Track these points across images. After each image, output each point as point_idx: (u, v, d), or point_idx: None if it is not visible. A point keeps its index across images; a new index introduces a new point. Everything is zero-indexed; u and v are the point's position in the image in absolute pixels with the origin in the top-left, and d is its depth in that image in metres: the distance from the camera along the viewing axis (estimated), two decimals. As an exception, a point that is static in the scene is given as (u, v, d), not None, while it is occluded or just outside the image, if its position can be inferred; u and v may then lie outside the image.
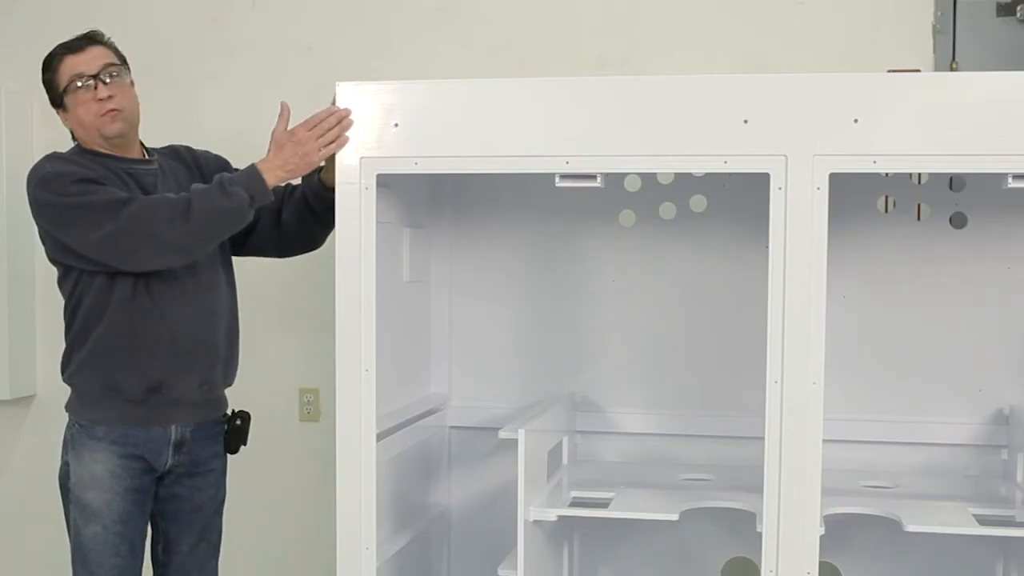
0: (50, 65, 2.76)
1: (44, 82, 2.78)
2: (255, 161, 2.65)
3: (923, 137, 2.31)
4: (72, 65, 2.73)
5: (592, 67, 3.51)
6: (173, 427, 2.78)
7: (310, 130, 2.55)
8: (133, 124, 2.80)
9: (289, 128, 2.62)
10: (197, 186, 2.64)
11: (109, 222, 2.58)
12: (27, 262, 3.88)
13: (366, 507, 2.52)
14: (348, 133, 2.52)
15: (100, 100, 2.71)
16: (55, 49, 2.77)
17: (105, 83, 2.72)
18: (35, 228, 3.79)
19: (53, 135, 3.74)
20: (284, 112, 2.65)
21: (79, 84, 2.71)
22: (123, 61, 2.81)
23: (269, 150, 2.65)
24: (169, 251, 2.62)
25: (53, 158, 2.74)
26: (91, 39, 2.78)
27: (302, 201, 2.84)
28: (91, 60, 2.74)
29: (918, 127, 2.31)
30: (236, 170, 2.92)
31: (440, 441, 3.14)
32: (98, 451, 2.72)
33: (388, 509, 2.72)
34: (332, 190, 2.58)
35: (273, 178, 2.62)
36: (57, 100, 2.77)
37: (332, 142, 2.53)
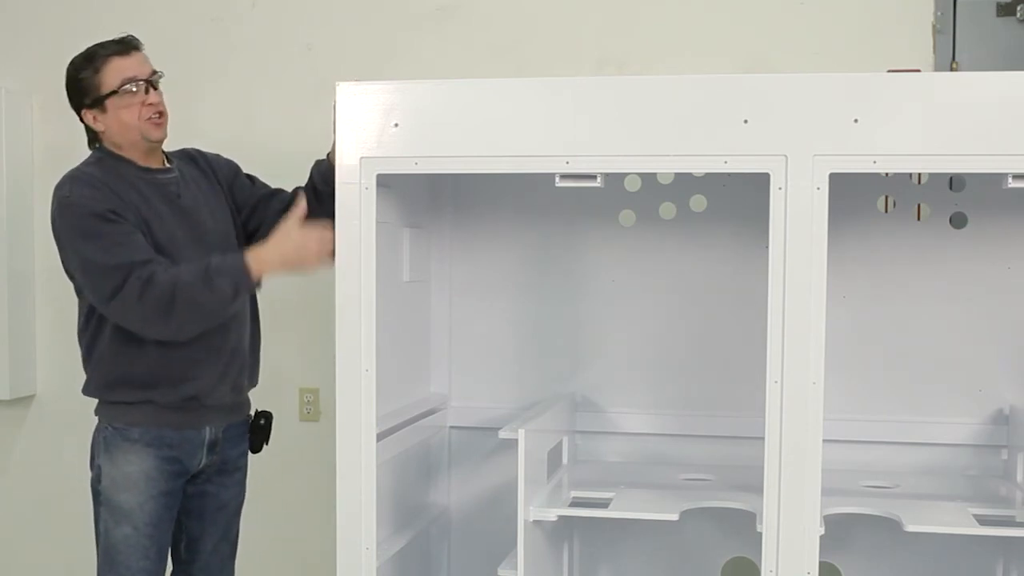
0: (91, 64, 2.72)
1: (79, 80, 2.73)
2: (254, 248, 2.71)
3: (923, 137, 2.31)
4: (123, 67, 2.72)
5: (592, 67, 3.51)
6: (207, 429, 2.80)
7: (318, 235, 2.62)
8: (166, 131, 2.82)
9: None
10: (185, 270, 2.63)
11: (109, 288, 2.61)
12: (27, 262, 3.88)
13: (366, 507, 2.52)
14: (348, 133, 2.51)
15: (149, 104, 2.73)
16: (95, 49, 2.74)
17: (155, 88, 2.75)
18: (35, 228, 3.84)
19: (53, 135, 3.78)
20: (300, 206, 2.71)
21: (132, 88, 2.71)
22: None
23: (271, 239, 2.69)
24: (157, 333, 2.67)
25: (75, 180, 2.71)
26: (134, 45, 2.77)
27: (309, 189, 2.86)
28: (140, 65, 2.75)
29: (918, 127, 2.30)
30: (247, 176, 2.94)
31: (440, 441, 3.14)
32: (133, 453, 2.72)
33: (388, 509, 2.72)
34: None
35: (268, 268, 2.66)
36: (95, 101, 2.72)
37: (321, 253, 2.62)
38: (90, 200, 2.66)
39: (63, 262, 2.74)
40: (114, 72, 2.71)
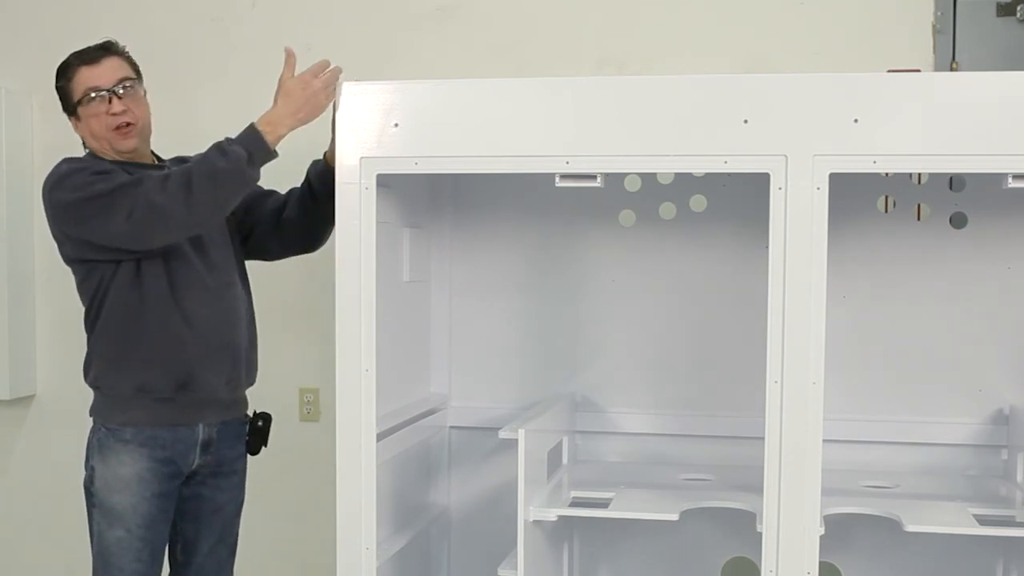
0: (64, 74, 2.77)
1: (57, 89, 2.79)
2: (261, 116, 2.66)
3: (923, 137, 2.31)
4: (87, 77, 2.74)
5: (592, 67, 3.51)
6: (200, 426, 2.79)
7: (310, 82, 2.58)
8: (145, 137, 2.83)
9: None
10: (196, 157, 2.65)
11: (124, 207, 2.59)
12: (27, 262, 3.88)
13: (366, 507, 2.52)
14: (348, 133, 2.52)
15: (114, 114, 2.73)
16: (70, 58, 2.77)
17: (119, 97, 2.74)
18: (35, 228, 3.84)
19: (53, 135, 3.76)
20: (290, 58, 2.64)
21: (93, 96, 2.73)
22: (137, 72, 2.82)
23: (276, 100, 2.64)
24: (184, 223, 2.62)
25: (68, 160, 2.76)
26: (107, 49, 2.78)
27: (305, 189, 2.87)
28: (106, 73, 2.75)
29: (918, 127, 2.31)
30: None
31: (440, 441, 3.14)
32: (126, 454, 2.72)
33: (388, 509, 2.72)
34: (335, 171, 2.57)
35: (284, 127, 2.62)
36: (70, 109, 2.78)
37: (326, 95, 2.57)
38: (88, 164, 2.72)
39: (72, 234, 2.71)
40: (80, 82, 2.75)
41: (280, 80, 2.64)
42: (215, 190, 2.61)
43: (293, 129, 2.64)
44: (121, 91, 2.74)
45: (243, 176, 2.62)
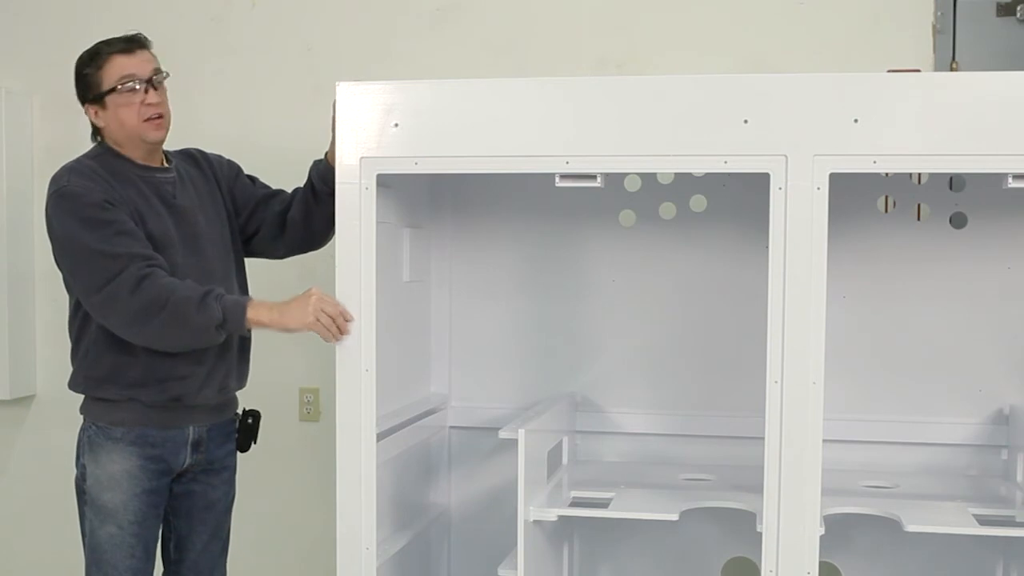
0: (94, 61, 2.73)
1: (83, 76, 2.74)
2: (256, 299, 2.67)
3: (923, 137, 2.31)
4: (123, 65, 2.71)
5: (592, 67, 3.52)
6: (191, 428, 2.79)
7: (327, 304, 2.53)
8: (167, 132, 2.81)
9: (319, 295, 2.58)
10: (186, 283, 2.61)
11: (94, 284, 2.60)
12: (27, 262, 3.88)
13: (366, 507, 2.52)
14: (348, 133, 2.52)
15: (148, 105, 2.71)
16: (100, 46, 2.74)
17: (155, 89, 2.73)
18: (35, 228, 3.84)
19: (53, 135, 3.78)
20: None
21: (130, 85, 2.70)
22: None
23: (291, 301, 2.62)
24: (131, 333, 2.64)
25: (72, 170, 2.71)
26: (139, 42, 2.76)
27: (308, 189, 2.87)
28: (142, 64, 2.73)
29: (918, 127, 2.31)
30: (248, 177, 2.97)
31: (440, 441, 3.14)
32: (116, 452, 2.72)
33: (388, 509, 2.72)
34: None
35: (264, 314, 2.61)
36: (96, 97, 2.73)
37: (327, 325, 2.52)
38: (87, 189, 2.66)
39: (54, 252, 2.72)
40: (115, 70, 2.71)
41: (310, 291, 2.58)
42: (174, 331, 2.60)
43: (269, 322, 2.62)
44: (157, 85, 2.74)
45: (204, 335, 2.62)
